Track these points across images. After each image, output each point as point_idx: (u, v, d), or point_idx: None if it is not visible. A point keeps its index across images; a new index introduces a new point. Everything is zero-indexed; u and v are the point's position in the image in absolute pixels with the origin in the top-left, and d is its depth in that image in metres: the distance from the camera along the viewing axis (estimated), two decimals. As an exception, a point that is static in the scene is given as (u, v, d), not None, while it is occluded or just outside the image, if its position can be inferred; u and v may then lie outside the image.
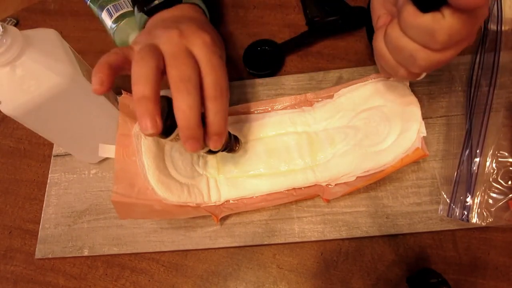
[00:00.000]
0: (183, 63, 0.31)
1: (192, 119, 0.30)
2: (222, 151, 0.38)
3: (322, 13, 0.50)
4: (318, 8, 0.50)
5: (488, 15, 0.44)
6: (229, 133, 0.38)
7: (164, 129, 0.30)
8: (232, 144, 0.39)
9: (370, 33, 0.47)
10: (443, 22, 0.26)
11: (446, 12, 0.26)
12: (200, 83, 0.31)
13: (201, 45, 0.33)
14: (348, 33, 0.51)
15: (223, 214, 0.40)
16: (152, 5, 0.40)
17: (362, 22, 0.50)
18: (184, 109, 0.29)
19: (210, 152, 0.36)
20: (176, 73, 0.30)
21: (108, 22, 0.51)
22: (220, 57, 0.34)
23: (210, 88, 0.32)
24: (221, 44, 0.36)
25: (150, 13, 0.40)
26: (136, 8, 0.42)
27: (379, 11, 0.36)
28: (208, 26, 0.39)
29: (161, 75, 0.31)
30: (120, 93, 0.40)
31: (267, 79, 0.49)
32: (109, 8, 0.51)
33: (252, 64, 0.50)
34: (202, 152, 0.36)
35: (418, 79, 0.38)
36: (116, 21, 0.50)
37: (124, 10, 0.50)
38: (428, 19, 0.27)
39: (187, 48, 0.32)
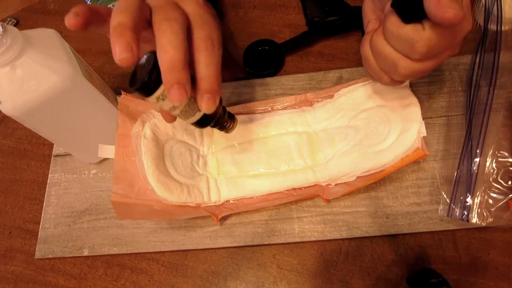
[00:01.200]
0: (169, 8, 0.28)
1: (176, 59, 0.26)
2: (213, 126, 0.35)
3: (322, 13, 0.50)
4: (318, 8, 0.50)
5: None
6: (224, 107, 0.36)
7: (148, 83, 0.27)
8: (225, 119, 0.36)
9: None
10: (422, 34, 0.27)
11: (427, 24, 0.27)
12: (188, 36, 0.28)
13: (193, 2, 0.30)
14: (348, 33, 0.51)
15: (223, 214, 0.40)
16: None
17: (362, 22, 0.50)
18: (167, 48, 0.26)
19: (200, 123, 0.33)
20: (160, 16, 0.28)
21: (108, 22, 0.51)
22: (213, 16, 0.31)
23: (200, 40, 0.29)
24: (216, 17, 0.33)
25: None
26: None
27: (369, 16, 0.36)
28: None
29: (143, 16, 0.28)
30: (120, 94, 0.40)
31: (267, 79, 0.49)
32: (109, 8, 0.51)
33: (252, 64, 0.50)
34: (190, 122, 0.33)
35: (402, 85, 0.39)
36: (116, 21, 0.50)
37: (124, 10, 0.50)
38: (409, 30, 0.27)
39: (176, 3, 0.30)
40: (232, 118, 0.37)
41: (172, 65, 0.27)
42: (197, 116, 0.32)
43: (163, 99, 0.29)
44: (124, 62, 0.25)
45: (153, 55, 0.28)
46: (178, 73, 0.27)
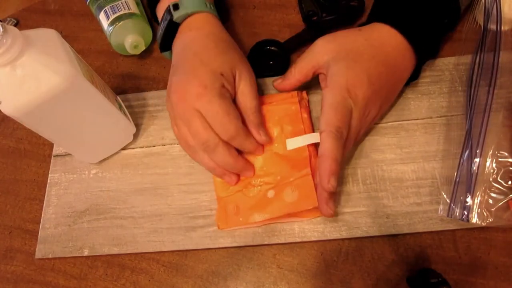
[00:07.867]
0: None
1: None
2: None
3: (318, 8, 0.49)
4: (313, 2, 0.49)
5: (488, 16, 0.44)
6: None
7: None
8: None
9: None
10: None
11: None
12: None
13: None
14: (345, 28, 0.50)
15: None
16: (160, 40, 0.44)
17: (357, 18, 0.50)
18: None
19: None
20: None
21: (104, 24, 0.50)
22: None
23: None
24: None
25: (164, 49, 0.44)
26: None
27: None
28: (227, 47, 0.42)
29: None
30: (120, 93, 0.40)
31: (273, 79, 0.48)
32: (107, 10, 0.50)
33: (258, 65, 0.49)
34: None
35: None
36: (112, 23, 0.49)
37: (121, 12, 0.50)
38: None
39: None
40: None
41: None
42: None
43: None
44: None
45: None
46: None
